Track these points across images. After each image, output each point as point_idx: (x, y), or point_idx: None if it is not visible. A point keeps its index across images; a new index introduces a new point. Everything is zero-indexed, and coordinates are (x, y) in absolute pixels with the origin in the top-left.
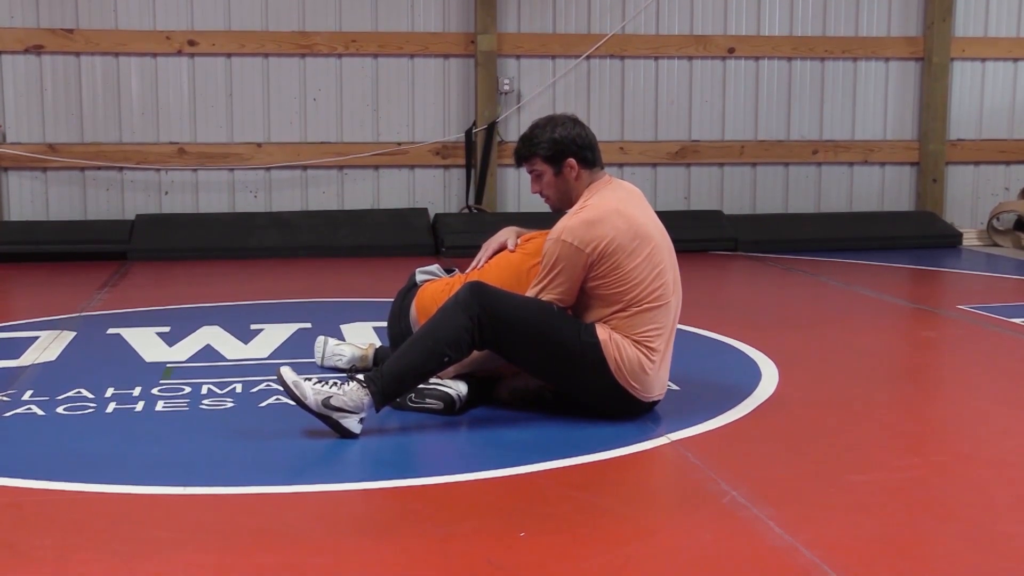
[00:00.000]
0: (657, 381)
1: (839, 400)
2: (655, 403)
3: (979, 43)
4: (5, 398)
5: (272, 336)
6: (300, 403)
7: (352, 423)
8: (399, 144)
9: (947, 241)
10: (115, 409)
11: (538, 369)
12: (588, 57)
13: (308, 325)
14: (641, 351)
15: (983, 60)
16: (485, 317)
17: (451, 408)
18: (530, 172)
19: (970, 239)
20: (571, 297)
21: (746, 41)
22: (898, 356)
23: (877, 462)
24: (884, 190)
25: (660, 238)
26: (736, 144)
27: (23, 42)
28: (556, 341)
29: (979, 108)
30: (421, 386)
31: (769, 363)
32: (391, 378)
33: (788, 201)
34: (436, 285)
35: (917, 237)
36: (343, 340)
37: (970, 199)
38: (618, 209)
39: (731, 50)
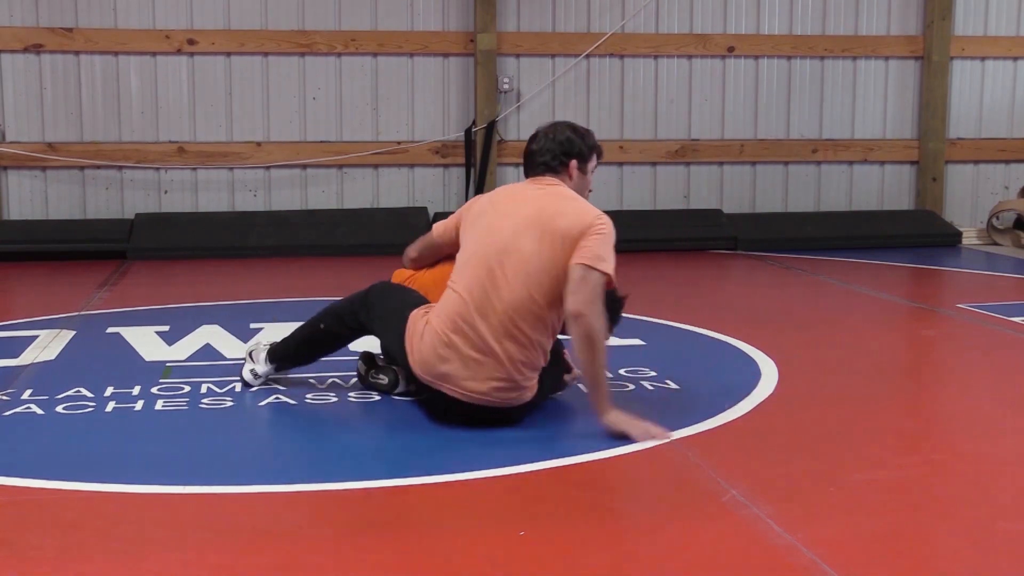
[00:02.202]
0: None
1: (839, 398)
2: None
3: (979, 42)
4: (4, 397)
5: (272, 335)
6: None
7: (246, 371)
8: (399, 143)
9: (947, 240)
10: (114, 408)
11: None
12: (588, 56)
13: None
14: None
15: (983, 59)
16: (365, 298)
17: (393, 386)
18: None
19: (970, 238)
20: None
21: (746, 40)
22: (898, 354)
23: (877, 461)
24: (884, 189)
25: (499, 228)
26: (736, 143)
27: (23, 41)
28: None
29: (979, 107)
30: (379, 363)
31: (769, 362)
32: (283, 338)
33: (788, 200)
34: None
35: (917, 236)
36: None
37: (970, 198)
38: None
39: (731, 49)
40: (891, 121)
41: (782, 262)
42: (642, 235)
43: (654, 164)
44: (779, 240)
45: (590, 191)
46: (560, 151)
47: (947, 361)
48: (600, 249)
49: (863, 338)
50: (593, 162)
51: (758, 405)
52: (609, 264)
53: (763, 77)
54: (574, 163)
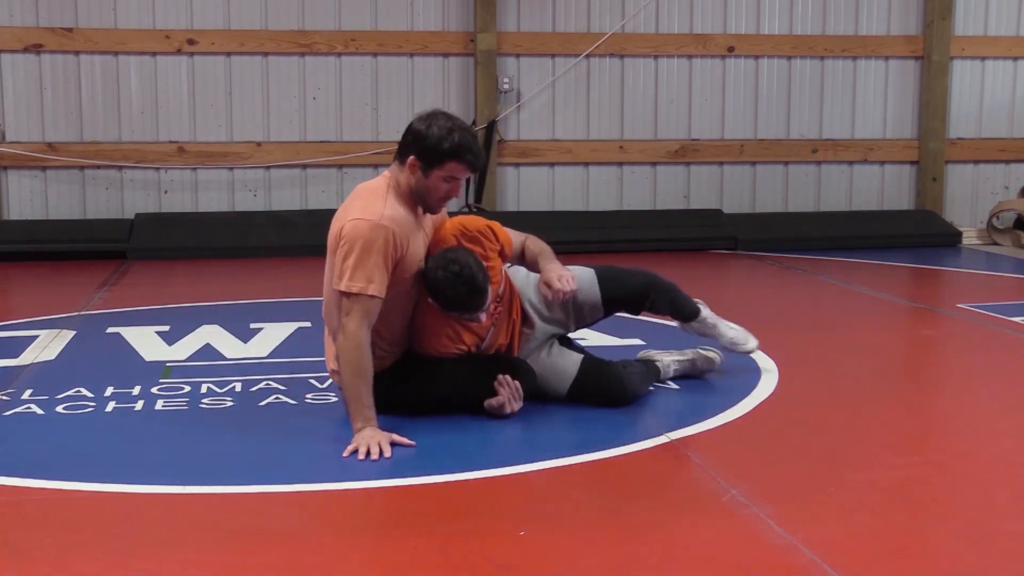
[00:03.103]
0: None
1: (838, 398)
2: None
3: (979, 42)
4: (5, 397)
5: (272, 335)
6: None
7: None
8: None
9: (947, 240)
10: (114, 408)
11: None
12: (588, 56)
13: (308, 324)
14: None
15: (983, 59)
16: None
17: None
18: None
19: (970, 238)
20: None
21: (746, 40)
22: (897, 354)
23: (877, 461)
24: (884, 189)
25: None
26: (736, 143)
27: (22, 41)
28: None
29: (979, 107)
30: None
31: (769, 362)
32: None
33: (788, 200)
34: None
35: (917, 236)
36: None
37: (970, 198)
38: None
39: (731, 49)
40: (891, 121)
41: (782, 262)
42: (642, 235)
43: (654, 164)
44: (779, 240)
45: (442, 198)
46: (408, 139)
47: (947, 361)
48: (341, 263)
49: (863, 338)
50: (442, 171)
51: (758, 405)
52: (346, 277)
53: (763, 77)
54: (412, 159)
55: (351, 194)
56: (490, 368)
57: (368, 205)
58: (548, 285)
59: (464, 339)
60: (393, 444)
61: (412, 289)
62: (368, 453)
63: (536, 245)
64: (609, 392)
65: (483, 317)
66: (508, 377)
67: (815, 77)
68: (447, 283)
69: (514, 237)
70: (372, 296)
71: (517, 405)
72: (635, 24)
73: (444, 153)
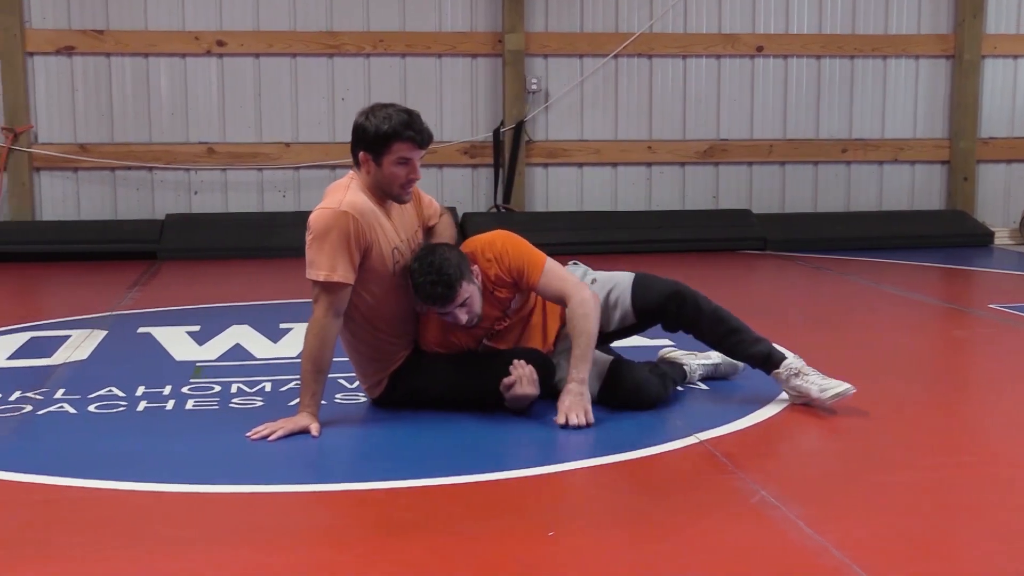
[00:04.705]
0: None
1: (868, 399)
2: None
3: (1011, 40)
4: (38, 396)
5: (301, 335)
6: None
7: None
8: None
9: (978, 240)
10: (146, 408)
11: None
12: (616, 56)
13: None
14: None
15: (1015, 57)
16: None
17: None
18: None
19: (1001, 238)
20: None
21: (775, 39)
22: (928, 355)
23: (907, 462)
24: (914, 189)
25: None
26: (765, 143)
27: (55, 43)
28: None
29: (1011, 106)
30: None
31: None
32: None
33: (817, 200)
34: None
35: (947, 236)
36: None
37: (1001, 197)
38: None
39: (759, 48)
40: (921, 120)
41: (812, 262)
42: (671, 235)
43: (683, 164)
44: (809, 240)
45: (403, 184)
46: (354, 138)
47: (978, 362)
48: (308, 252)
49: (893, 339)
50: (391, 155)
51: (788, 406)
52: (312, 266)
53: (792, 77)
54: (362, 155)
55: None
56: (507, 359)
57: (332, 197)
58: (564, 417)
59: (453, 338)
60: (297, 433)
61: (402, 280)
62: (267, 435)
63: (579, 325)
64: (629, 395)
65: (461, 317)
66: (523, 362)
67: (845, 77)
68: (418, 272)
69: (559, 282)
70: (336, 283)
71: (532, 390)
72: (663, 24)
73: (386, 136)
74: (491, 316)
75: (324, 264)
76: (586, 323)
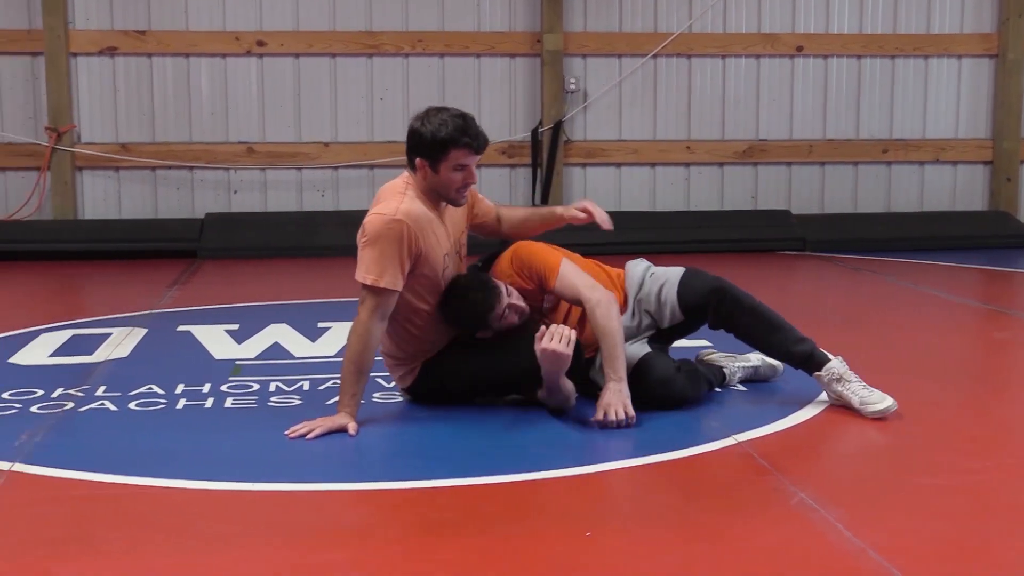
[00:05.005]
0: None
1: (908, 401)
2: None
3: None
4: (79, 393)
5: (339, 334)
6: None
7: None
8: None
9: (1021, 241)
10: (185, 405)
11: None
12: (654, 56)
13: None
14: None
15: None
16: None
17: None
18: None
19: None
20: None
21: (815, 39)
22: (969, 357)
23: (947, 465)
24: (956, 189)
25: None
26: (804, 143)
27: (98, 44)
28: None
29: None
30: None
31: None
32: None
33: (857, 201)
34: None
35: (990, 237)
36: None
37: None
38: None
39: (799, 48)
40: (964, 120)
41: (851, 264)
42: (709, 236)
43: (721, 164)
44: (848, 241)
45: (459, 188)
46: (410, 144)
47: (1020, 364)
48: (360, 255)
49: (933, 341)
50: (448, 161)
51: (826, 408)
52: (362, 269)
53: (832, 76)
54: (419, 160)
55: (377, 194)
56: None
57: (388, 202)
58: (602, 413)
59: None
60: (334, 432)
61: (442, 283)
62: (305, 433)
63: (602, 325)
64: (654, 390)
65: (513, 319)
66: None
67: (886, 76)
68: (455, 303)
69: (574, 285)
70: (384, 288)
71: (563, 349)
72: (702, 24)
73: (443, 143)
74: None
75: (374, 269)
76: (606, 322)
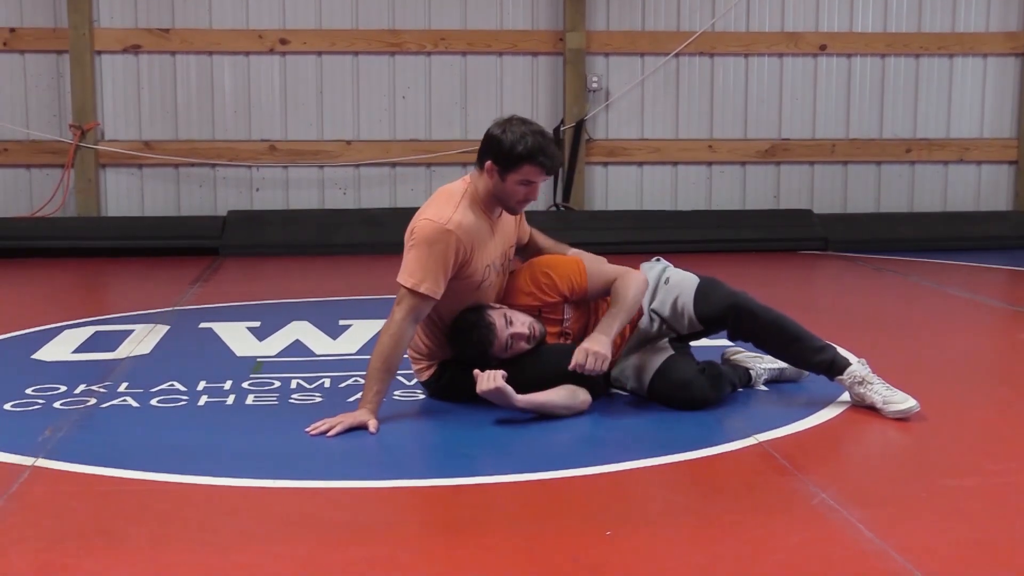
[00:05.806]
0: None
1: (931, 403)
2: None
3: None
4: (102, 389)
5: (360, 332)
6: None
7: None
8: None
9: None
10: (207, 402)
11: None
12: (677, 55)
13: None
14: None
15: None
16: None
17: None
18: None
19: None
20: None
21: (838, 38)
22: (993, 358)
23: (971, 466)
24: (980, 189)
25: None
26: (827, 142)
27: (122, 42)
28: None
29: None
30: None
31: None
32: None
33: (880, 200)
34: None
35: (1014, 238)
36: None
37: None
38: None
39: (823, 47)
40: (988, 120)
41: (874, 264)
42: (731, 235)
43: (744, 164)
44: (871, 241)
45: (520, 201)
46: (485, 145)
47: None
48: (405, 256)
49: (957, 341)
50: (518, 174)
51: (848, 408)
52: (405, 271)
53: (855, 76)
54: (489, 164)
55: (433, 194)
56: (552, 351)
57: (441, 208)
58: (583, 355)
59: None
60: (355, 429)
61: (478, 292)
62: (326, 430)
63: (619, 290)
64: (674, 392)
65: (521, 346)
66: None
67: (910, 75)
68: (456, 347)
69: (603, 273)
70: (423, 294)
71: (493, 384)
72: (725, 23)
73: (519, 157)
74: (551, 333)
75: (417, 273)
76: (626, 291)
